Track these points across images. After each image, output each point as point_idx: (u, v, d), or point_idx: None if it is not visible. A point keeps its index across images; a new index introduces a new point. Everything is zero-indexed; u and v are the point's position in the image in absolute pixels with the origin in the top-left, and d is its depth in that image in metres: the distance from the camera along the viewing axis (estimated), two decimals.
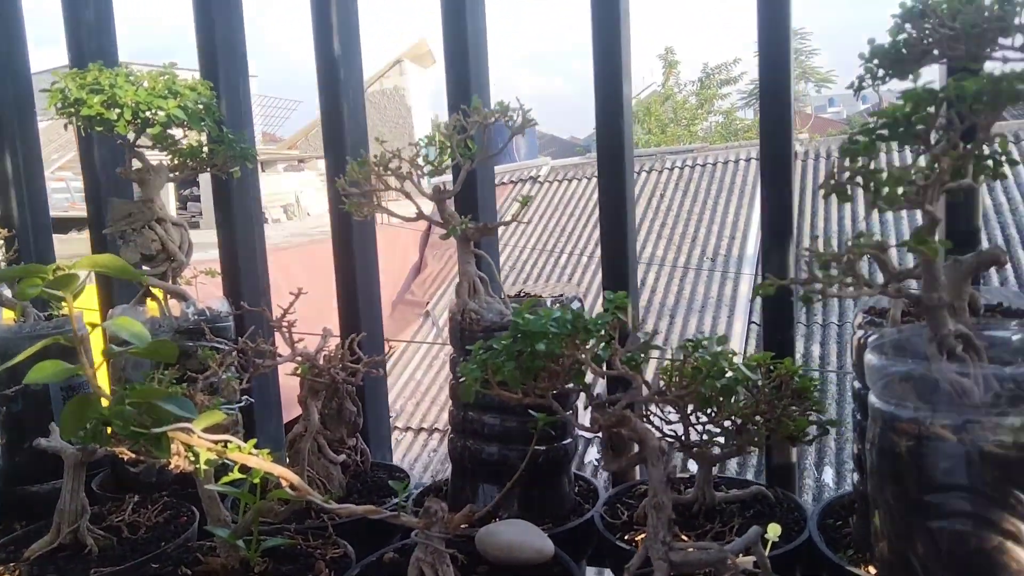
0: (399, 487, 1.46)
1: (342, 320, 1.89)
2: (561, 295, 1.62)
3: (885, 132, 1.05)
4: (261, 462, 1.16)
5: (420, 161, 1.55)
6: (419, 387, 8.10)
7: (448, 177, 1.69)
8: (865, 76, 1.34)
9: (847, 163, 1.08)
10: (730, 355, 1.29)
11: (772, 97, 1.54)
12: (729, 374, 1.21)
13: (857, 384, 1.35)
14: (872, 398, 1.01)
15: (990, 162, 1.14)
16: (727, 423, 1.41)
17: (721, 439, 1.41)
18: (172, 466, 1.43)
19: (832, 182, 1.10)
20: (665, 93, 18.45)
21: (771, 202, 1.55)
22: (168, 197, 11.74)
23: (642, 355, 1.21)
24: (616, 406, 1.13)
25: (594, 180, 11.15)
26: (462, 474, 1.62)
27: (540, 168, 11.73)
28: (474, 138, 1.56)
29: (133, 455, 1.26)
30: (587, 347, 1.16)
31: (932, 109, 1.01)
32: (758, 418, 1.41)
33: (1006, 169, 1.15)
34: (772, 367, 1.46)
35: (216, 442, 1.15)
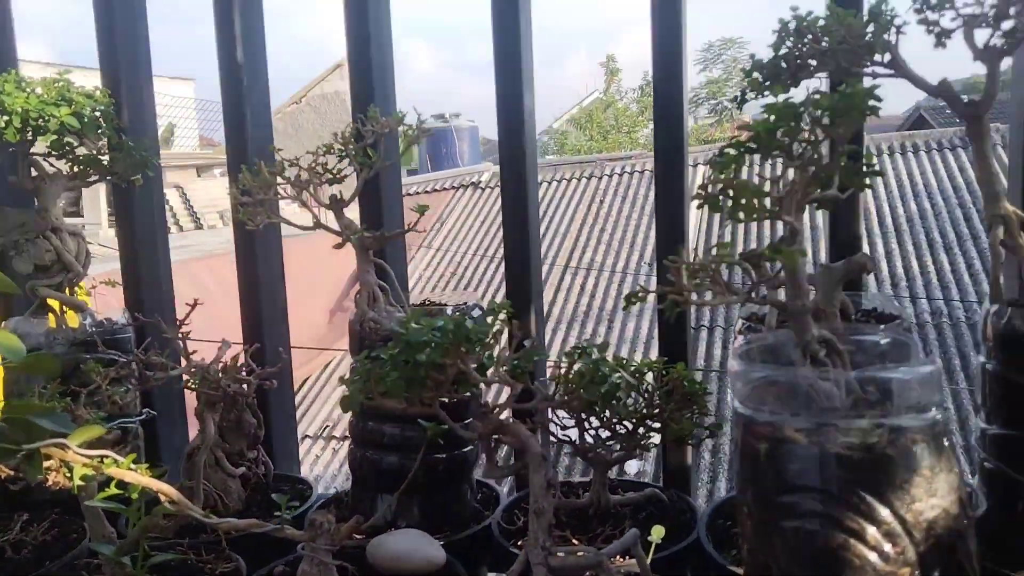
0: (282, 500, 1.45)
1: (245, 331, 1.87)
2: (463, 304, 1.64)
3: (752, 145, 1.09)
4: (138, 477, 1.14)
5: (320, 169, 1.55)
6: None
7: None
8: (748, 89, 1.39)
9: (718, 175, 1.11)
10: (616, 361, 1.32)
11: (665, 110, 1.57)
12: (614, 379, 1.24)
13: (730, 387, 1.39)
14: (735, 403, 1.04)
15: (856, 173, 1.19)
16: (620, 427, 1.44)
17: (614, 443, 1.43)
18: (51, 483, 1.40)
19: (704, 193, 1.14)
20: (607, 100, 18.66)
21: (664, 214, 1.59)
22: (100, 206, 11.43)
23: (528, 363, 1.23)
24: (495, 413, 1.14)
25: (540, 184, 11.20)
26: (362, 485, 1.61)
27: (482, 174, 11.75)
28: (375, 146, 1.56)
29: (11, 472, 1.23)
30: (472, 356, 1.17)
31: (793, 123, 1.05)
32: (649, 422, 1.44)
33: (870, 179, 1.21)
34: (665, 371, 1.49)
35: (92, 457, 1.13)
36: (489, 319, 1.17)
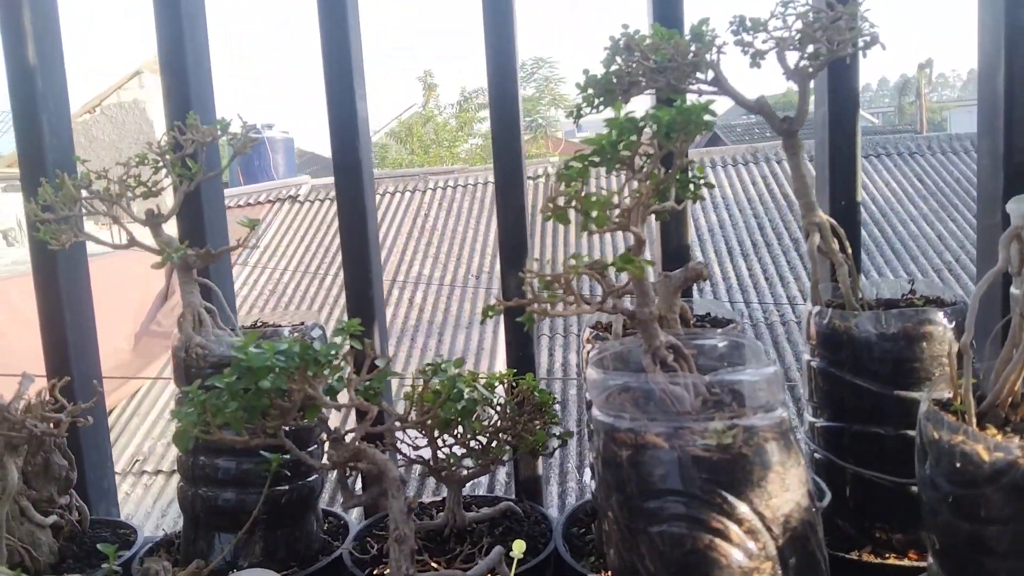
0: (109, 549, 1.29)
1: (49, 362, 1.66)
2: (301, 323, 1.55)
3: (596, 159, 1.11)
4: None
5: (132, 182, 1.41)
6: (171, 426, 7.46)
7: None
8: (583, 104, 1.42)
9: (563, 187, 1.12)
10: (470, 376, 1.29)
11: (503, 125, 1.58)
12: (468, 396, 1.21)
13: (588, 395, 1.41)
14: (595, 410, 1.05)
15: (691, 185, 1.25)
16: (473, 443, 1.42)
17: (468, 460, 1.40)
18: None
19: (551, 205, 1.14)
20: (426, 115, 18.71)
21: (505, 226, 1.59)
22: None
23: (380, 383, 1.18)
24: (350, 439, 1.08)
25: None
26: (195, 525, 1.48)
27: (300, 187, 11.36)
28: (194, 157, 1.44)
29: None
30: (319, 379, 1.10)
31: (634, 137, 1.07)
32: (502, 435, 1.43)
33: (704, 191, 1.27)
34: (515, 383, 1.49)
35: None
36: (338, 339, 1.11)
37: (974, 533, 0.97)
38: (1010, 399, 1.07)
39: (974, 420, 1.01)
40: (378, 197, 10.86)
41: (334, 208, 10.68)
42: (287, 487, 1.46)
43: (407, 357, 7.69)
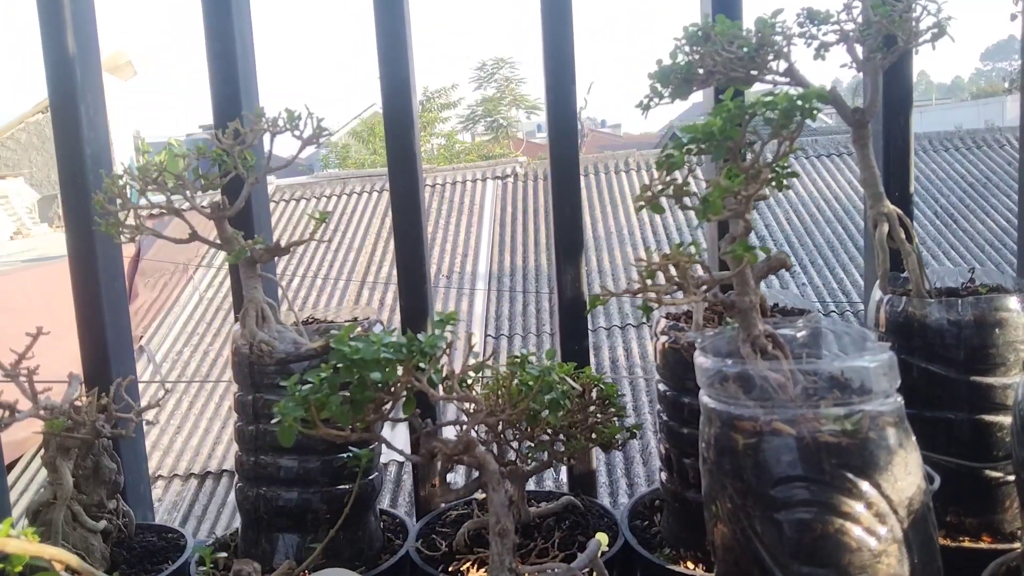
0: (206, 552, 1.24)
1: (87, 363, 1.60)
2: (366, 319, 1.51)
3: (696, 147, 1.11)
4: (23, 545, 0.92)
5: (189, 175, 1.37)
6: (154, 431, 7.27)
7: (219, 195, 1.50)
8: (652, 95, 1.42)
9: (664, 176, 1.12)
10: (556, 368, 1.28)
11: (559, 121, 1.57)
12: (559, 388, 1.20)
13: (663, 387, 1.41)
14: (705, 398, 1.04)
15: (775, 173, 1.25)
16: (543, 437, 1.40)
17: (540, 454, 1.39)
18: None
19: (649, 194, 1.14)
20: None
21: (561, 222, 1.58)
22: None
23: (474, 375, 1.16)
24: (463, 431, 1.06)
25: (323, 199, 10.84)
26: (255, 525, 1.44)
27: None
28: (254, 149, 1.40)
29: None
30: (423, 373, 1.07)
31: (740, 124, 1.08)
32: (572, 428, 1.42)
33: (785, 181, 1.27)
34: (576, 377, 1.47)
35: None
36: (437, 331, 1.08)
37: None
38: None
39: None
40: (344, 197, 10.74)
41: (301, 208, 10.56)
42: (349, 486, 1.43)
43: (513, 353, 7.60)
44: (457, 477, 5.03)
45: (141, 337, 8.87)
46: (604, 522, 1.48)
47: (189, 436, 7.06)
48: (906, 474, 0.96)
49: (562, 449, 1.40)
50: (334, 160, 17.72)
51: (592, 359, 6.85)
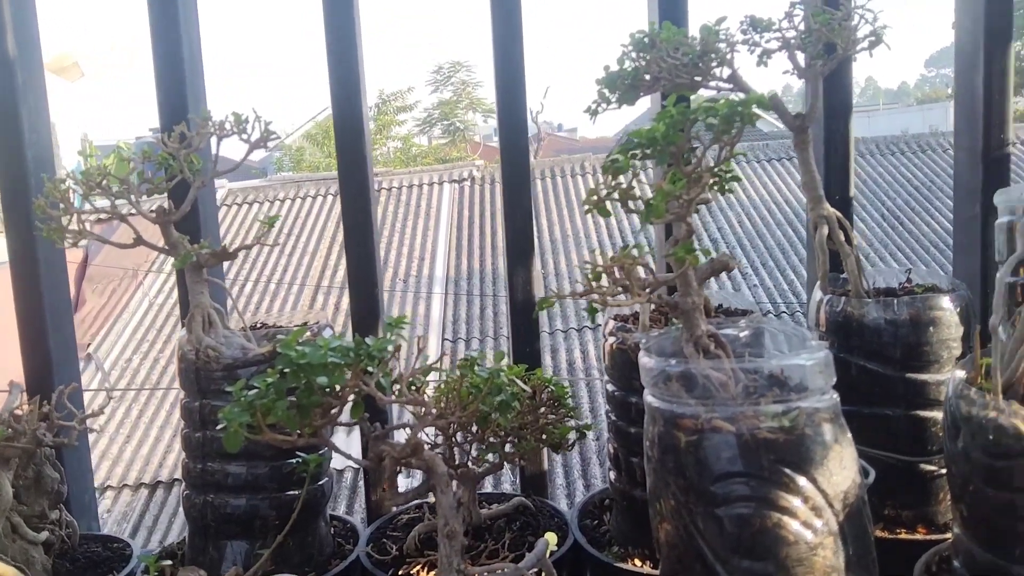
0: (149, 560, 1.22)
1: (29, 371, 1.56)
2: (316, 323, 1.51)
3: (641, 152, 1.13)
4: None
5: (135, 179, 1.35)
6: (100, 440, 7.10)
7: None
8: (600, 101, 1.44)
9: (610, 180, 1.14)
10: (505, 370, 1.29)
11: (510, 129, 1.58)
12: (508, 390, 1.21)
13: (611, 387, 1.43)
14: (649, 398, 1.06)
15: (719, 177, 1.28)
16: (493, 439, 1.41)
17: (490, 456, 1.40)
18: None
19: (595, 198, 1.16)
20: None
21: (513, 226, 1.59)
22: None
23: (423, 378, 1.16)
24: (411, 434, 1.06)
25: (277, 203, 10.71)
26: (203, 533, 1.42)
27: (217, 191, 11.00)
28: (201, 153, 1.39)
29: None
30: (370, 376, 1.07)
31: (683, 130, 1.10)
32: (523, 430, 1.43)
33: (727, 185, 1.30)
34: (527, 378, 1.49)
35: None
36: (387, 334, 1.09)
37: (1008, 501, 1.03)
38: None
39: (1000, 397, 1.08)
40: (298, 200, 10.63)
41: (254, 212, 10.42)
42: (299, 491, 1.42)
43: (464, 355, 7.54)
44: (414, 481, 5.01)
45: (89, 344, 8.67)
46: (555, 522, 1.49)
47: (139, 445, 6.92)
48: (841, 468, 0.99)
49: (512, 451, 1.41)
50: (288, 163, 17.52)
51: (549, 361, 6.89)
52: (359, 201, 1.56)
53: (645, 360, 1.08)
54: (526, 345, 1.62)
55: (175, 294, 9.04)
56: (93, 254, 9.93)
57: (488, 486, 4.65)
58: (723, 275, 8.18)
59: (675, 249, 1.05)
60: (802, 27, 1.41)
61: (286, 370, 1.04)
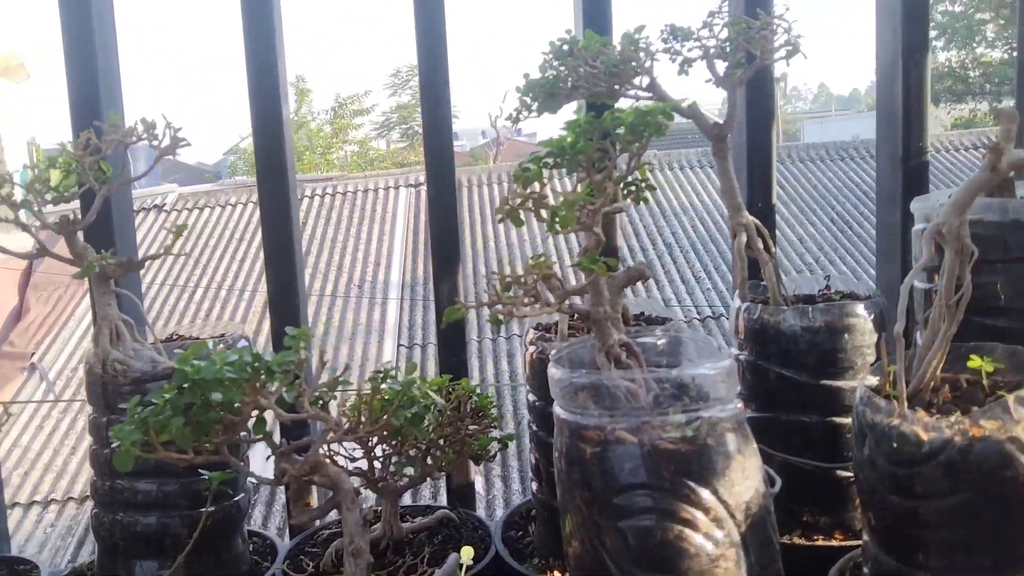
0: None
1: None
2: (223, 335, 1.47)
3: (552, 160, 1.12)
4: None
5: (38, 187, 1.30)
6: (27, 453, 6.88)
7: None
8: (521, 108, 1.43)
9: (519, 189, 1.12)
10: (417, 382, 1.27)
11: (434, 132, 1.56)
12: (420, 403, 1.19)
13: (532, 397, 1.42)
14: (557, 409, 1.05)
15: (634, 187, 1.28)
16: (412, 451, 1.39)
17: (410, 468, 1.38)
18: None
19: (507, 207, 1.14)
20: (299, 120, 18.20)
21: (438, 231, 1.57)
22: None
23: (332, 393, 1.14)
24: (310, 451, 1.04)
25: (228, 208, 10.55)
26: (111, 553, 1.37)
27: (166, 196, 10.79)
28: (109, 160, 1.35)
29: None
30: (270, 391, 1.05)
31: (593, 139, 1.09)
32: (442, 442, 1.41)
33: (647, 194, 1.30)
34: (451, 389, 1.47)
35: None
36: (291, 348, 1.06)
37: (911, 508, 1.04)
38: (932, 383, 1.16)
39: (905, 404, 1.09)
40: (252, 205, 10.47)
41: (203, 217, 10.25)
42: (213, 508, 1.38)
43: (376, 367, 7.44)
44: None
45: (33, 354, 8.43)
46: (479, 534, 1.48)
47: (85, 457, 6.74)
48: (744, 478, 0.99)
49: (432, 463, 1.39)
50: (243, 166, 17.27)
51: (492, 369, 6.86)
52: (279, 213, 1.53)
53: (552, 371, 1.07)
54: (452, 355, 1.60)
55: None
56: (38, 261, 9.66)
57: (428, 496, 4.61)
58: (677, 278, 8.26)
59: (582, 259, 1.03)
60: (723, 35, 1.42)
61: (184, 386, 1.01)
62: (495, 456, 1.44)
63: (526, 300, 1.08)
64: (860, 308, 1.34)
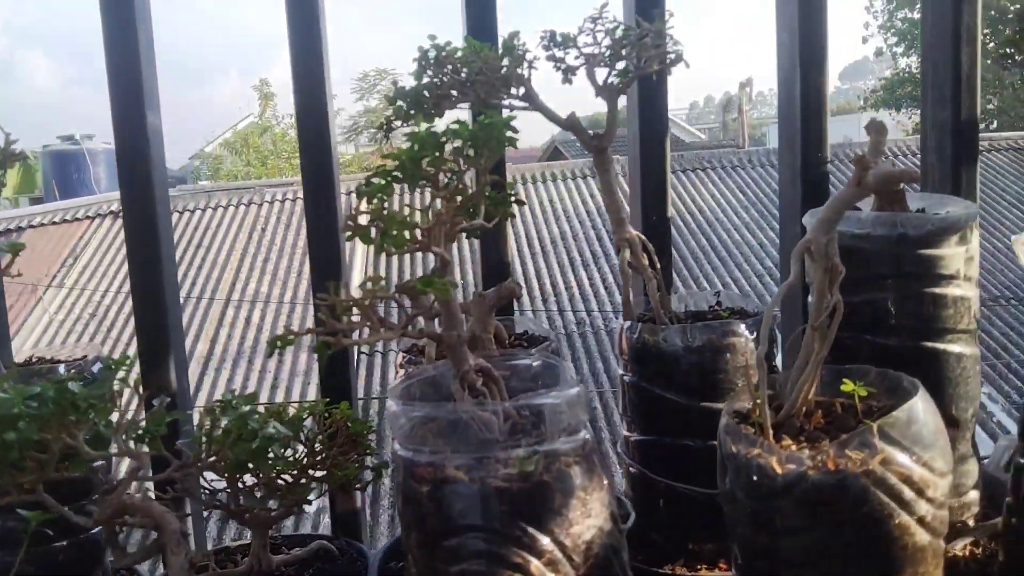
0: None
1: None
2: (81, 358, 1.38)
3: (398, 174, 1.05)
4: None
5: None
6: None
7: None
8: (393, 117, 1.36)
9: (364, 205, 1.05)
10: (268, 412, 1.19)
11: (311, 139, 1.49)
12: (264, 434, 1.11)
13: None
14: (396, 445, 0.98)
15: (501, 203, 1.21)
16: (280, 481, 1.31)
17: (272, 501, 1.30)
18: None
19: (351, 224, 1.07)
20: (263, 124, 18.00)
21: (317, 240, 1.50)
22: None
23: (159, 426, 1.06)
24: (114, 493, 0.95)
25: (187, 214, 10.39)
26: None
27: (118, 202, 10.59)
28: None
29: None
30: (83, 426, 0.96)
31: (437, 152, 1.02)
32: (311, 471, 1.33)
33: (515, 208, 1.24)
34: (328, 414, 1.39)
35: None
36: (105, 378, 0.98)
37: (771, 545, 0.98)
38: (804, 408, 1.10)
39: (770, 432, 1.03)
40: (211, 211, 10.31)
41: None
42: (66, 542, 1.30)
43: (244, 380, 7.32)
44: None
45: None
46: (356, 566, 1.40)
47: None
48: (585, 517, 0.92)
49: (301, 494, 1.31)
50: (206, 172, 17.05)
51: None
52: (144, 222, 1.44)
53: (388, 404, 0.99)
54: (332, 377, 1.52)
55: (77, 310, 8.67)
56: None
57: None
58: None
59: (417, 281, 0.96)
60: (607, 43, 1.36)
61: None
62: (367, 486, 1.36)
63: (369, 325, 1.01)
64: (742, 327, 1.28)
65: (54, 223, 10.05)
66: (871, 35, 16.21)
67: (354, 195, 1.06)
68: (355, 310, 0.98)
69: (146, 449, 0.99)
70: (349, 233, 1.08)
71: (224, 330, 8.17)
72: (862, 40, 16.47)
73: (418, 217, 1.01)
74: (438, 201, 1.06)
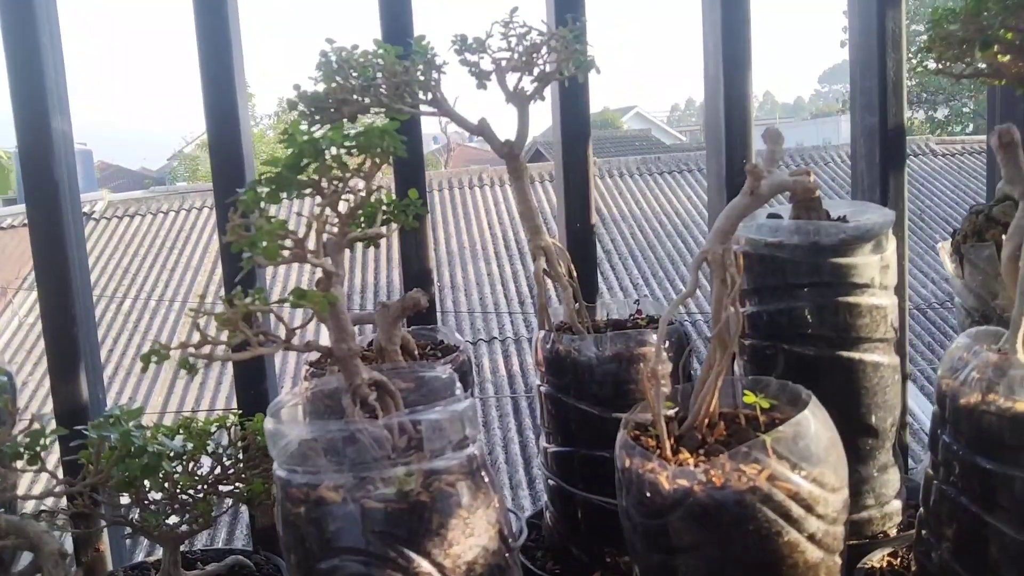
0: None
1: None
2: None
3: (277, 183, 1.02)
4: None
5: None
6: None
7: None
8: (300, 120, 1.33)
9: (238, 218, 1.02)
10: (177, 424, 1.16)
11: (223, 146, 1.45)
12: (152, 450, 1.08)
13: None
14: (275, 466, 0.95)
15: (400, 212, 1.18)
16: (185, 496, 1.28)
17: (173, 518, 1.26)
18: None
19: (231, 237, 1.04)
20: None
21: (224, 248, 1.47)
22: None
23: (36, 446, 1.02)
24: None
25: (160, 215, 10.28)
26: None
27: (96, 203, 10.46)
28: None
29: None
30: None
31: (319, 160, 0.99)
32: (221, 486, 1.30)
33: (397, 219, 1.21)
34: (242, 426, 1.36)
35: None
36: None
37: (664, 563, 0.96)
38: (707, 420, 1.08)
39: (667, 446, 1.01)
40: (185, 213, 10.21)
41: (135, 225, 9.98)
42: None
43: (217, 383, 7.25)
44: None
45: None
46: None
47: None
48: (466, 536, 0.90)
49: (205, 509, 1.28)
50: (183, 173, 16.90)
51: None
52: (50, 227, 1.40)
53: (265, 423, 0.96)
54: (248, 389, 1.49)
55: None
56: None
57: None
58: (616, 286, 8.21)
59: (290, 294, 0.93)
60: (520, 48, 1.34)
61: None
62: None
63: (246, 339, 0.98)
64: (655, 336, 1.26)
65: (23, 225, 9.91)
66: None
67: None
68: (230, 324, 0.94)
69: (17, 466, 0.96)
70: (231, 246, 1.05)
71: (196, 335, 8.09)
72: (840, 44, 16.57)
73: (302, 227, 0.98)
74: (327, 210, 1.03)
